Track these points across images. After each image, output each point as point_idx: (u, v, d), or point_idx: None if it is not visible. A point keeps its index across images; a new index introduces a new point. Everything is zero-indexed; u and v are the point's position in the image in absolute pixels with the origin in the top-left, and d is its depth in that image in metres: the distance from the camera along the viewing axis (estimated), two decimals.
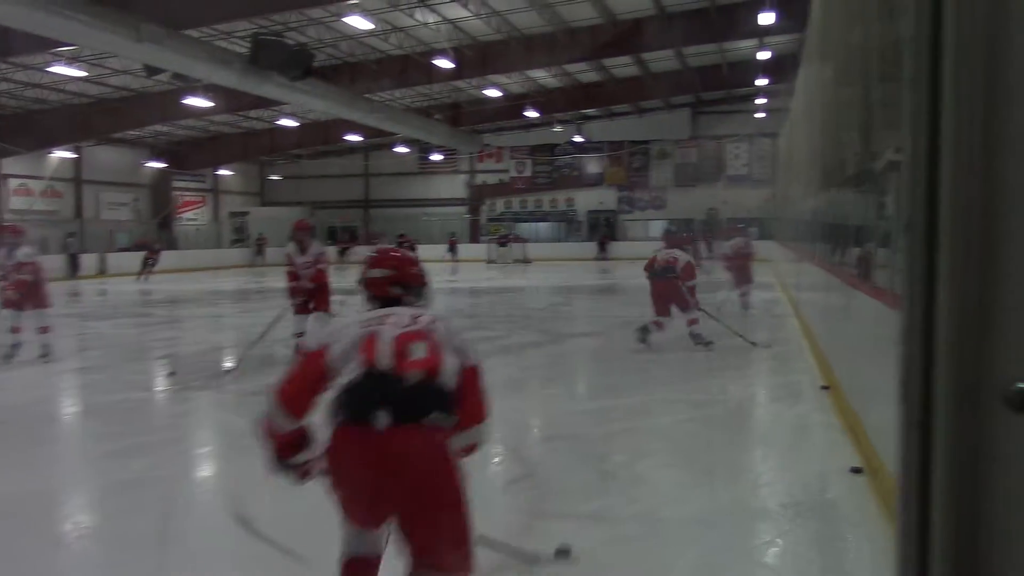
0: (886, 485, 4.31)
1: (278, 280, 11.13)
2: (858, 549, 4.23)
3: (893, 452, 3.67)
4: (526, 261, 36.27)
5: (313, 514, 4.71)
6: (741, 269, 14.96)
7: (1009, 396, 0.93)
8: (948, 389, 0.95)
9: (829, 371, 7.86)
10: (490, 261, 36.91)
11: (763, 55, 28.09)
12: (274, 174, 48.95)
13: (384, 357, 2.85)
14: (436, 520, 2.79)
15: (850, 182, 7.18)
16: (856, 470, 5.09)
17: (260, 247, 39.62)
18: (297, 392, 2.93)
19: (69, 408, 7.99)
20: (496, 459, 6.30)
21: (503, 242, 38.38)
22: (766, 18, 21.87)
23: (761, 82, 31.43)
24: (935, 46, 0.96)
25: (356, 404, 2.81)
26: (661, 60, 31.48)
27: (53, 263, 28.67)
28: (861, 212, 6.62)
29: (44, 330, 10.33)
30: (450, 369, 2.93)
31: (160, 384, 9.86)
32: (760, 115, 37.10)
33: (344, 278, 10.85)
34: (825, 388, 7.67)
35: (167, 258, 34.22)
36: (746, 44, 28.82)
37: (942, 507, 0.95)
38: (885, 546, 3.99)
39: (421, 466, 2.78)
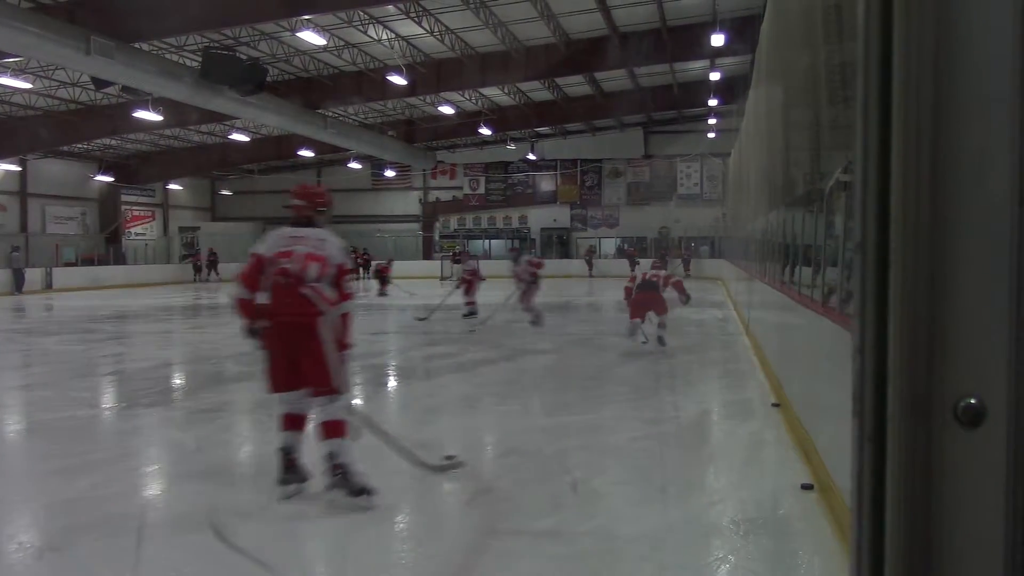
0: (836, 501, 4.37)
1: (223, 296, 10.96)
2: (809, 565, 4.28)
3: (843, 469, 3.72)
4: (480, 278, 36.12)
5: (286, 532, 4.67)
6: (528, 287, 16.27)
7: (959, 411, 0.95)
8: (900, 404, 0.97)
9: (780, 389, 7.95)
10: (444, 278, 36.76)
11: (714, 76, 28.52)
12: (225, 189, 48.47)
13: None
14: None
15: (799, 202, 7.29)
16: (807, 487, 5.15)
17: (212, 263, 39.31)
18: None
19: (13, 425, 7.80)
20: (451, 476, 6.28)
21: (457, 259, 38.28)
22: (717, 40, 22.19)
23: (712, 103, 31.89)
24: (884, 69, 0.99)
25: None
26: (614, 80, 31.80)
27: None
28: (811, 231, 6.73)
29: None
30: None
31: (107, 401, 9.69)
32: (711, 135, 37.64)
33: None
34: (776, 405, 7.75)
35: (114, 273, 33.72)
36: (697, 65, 29.24)
37: (895, 520, 0.97)
38: (836, 561, 4.05)
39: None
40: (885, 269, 0.98)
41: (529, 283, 15.88)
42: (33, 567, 4.42)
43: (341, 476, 4.95)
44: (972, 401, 0.94)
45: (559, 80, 31.23)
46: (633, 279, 12.33)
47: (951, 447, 0.95)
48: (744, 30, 20.95)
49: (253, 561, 4.19)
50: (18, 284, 29.05)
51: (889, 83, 0.97)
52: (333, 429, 5.03)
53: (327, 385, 4.98)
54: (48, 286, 31.20)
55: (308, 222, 5.49)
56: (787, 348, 7.80)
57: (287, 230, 5.44)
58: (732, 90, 27.62)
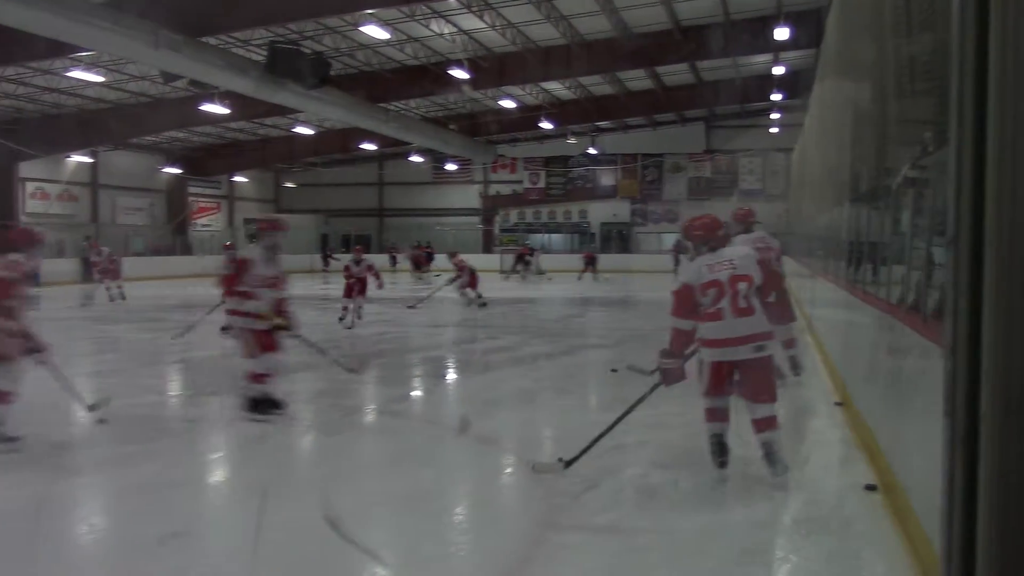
0: (900, 502, 4.29)
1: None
2: (872, 566, 4.20)
3: (909, 469, 3.63)
4: (540, 272, 35.63)
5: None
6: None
7: None
8: (995, 404, 0.94)
9: (843, 387, 7.83)
10: (512, 272, 35.68)
11: (778, 70, 28.11)
12: (289, 181, 49.16)
13: None
14: None
15: (865, 198, 7.16)
16: (870, 487, 5.07)
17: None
18: None
19: (81, 412, 7.97)
20: (508, 470, 6.30)
21: (531, 253, 37.52)
22: (781, 33, 21.87)
23: (775, 97, 31.43)
24: (980, 62, 0.96)
25: None
26: (675, 74, 31.53)
27: (69, 266, 28.93)
28: (877, 228, 6.61)
29: None
30: None
31: (174, 389, 9.90)
32: (774, 130, 37.09)
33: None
34: (839, 404, 7.64)
35: (181, 263, 34.43)
36: (761, 59, 28.85)
37: (988, 526, 0.93)
38: (900, 564, 3.97)
39: None
40: (979, 264, 0.95)
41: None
42: (101, 550, 4.55)
43: (769, 454, 5.43)
44: None
45: (620, 74, 31.04)
46: None
47: None
48: (809, 23, 20.61)
49: (362, 551, 4.25)
50: (88, 273, 29.69)
51: (985, 76, 0.95)
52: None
53: None
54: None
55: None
56: (851, 346, 7.66)
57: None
58: (796, 84, 27.20)
